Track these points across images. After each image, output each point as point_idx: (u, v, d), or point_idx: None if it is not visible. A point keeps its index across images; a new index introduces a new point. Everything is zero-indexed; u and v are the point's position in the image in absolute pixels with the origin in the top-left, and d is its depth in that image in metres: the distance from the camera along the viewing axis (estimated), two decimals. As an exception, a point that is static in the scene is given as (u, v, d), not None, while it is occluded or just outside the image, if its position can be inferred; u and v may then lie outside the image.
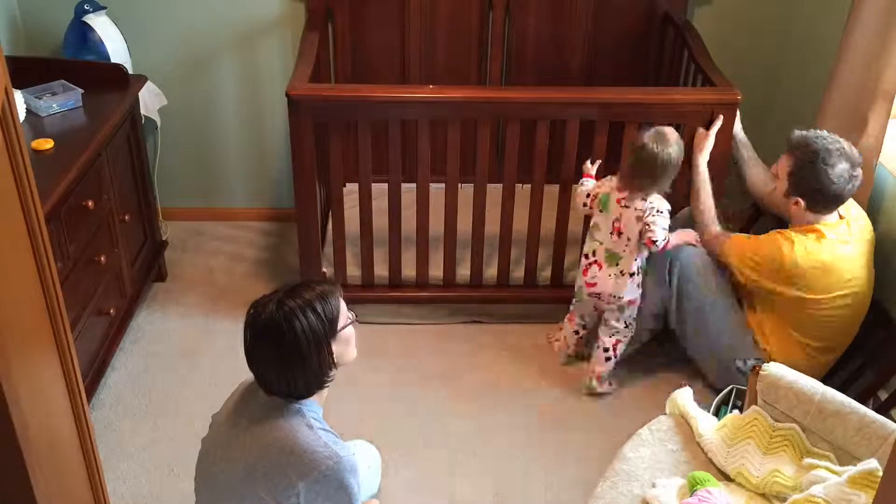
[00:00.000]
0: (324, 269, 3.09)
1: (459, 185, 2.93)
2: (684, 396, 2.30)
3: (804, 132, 2.54)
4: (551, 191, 2.94)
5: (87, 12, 3.03)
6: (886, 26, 2.57)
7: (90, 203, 2.60)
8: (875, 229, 2.75)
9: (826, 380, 2.44)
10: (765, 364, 2.17)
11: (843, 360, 2.78)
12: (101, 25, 3.06)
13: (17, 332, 1.10)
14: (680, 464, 2.14)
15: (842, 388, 2.52)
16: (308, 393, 1.83)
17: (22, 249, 1.15)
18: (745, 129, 3.08)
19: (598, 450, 2.62)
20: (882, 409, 2.47)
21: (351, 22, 3.35)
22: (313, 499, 1.77)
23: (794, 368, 2.47)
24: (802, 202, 2.52)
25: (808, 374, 2.46)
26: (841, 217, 2.57)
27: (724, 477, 2.11)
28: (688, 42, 3.18)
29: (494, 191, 2.95)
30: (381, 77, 3.43)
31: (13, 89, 2.56)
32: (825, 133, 2.52)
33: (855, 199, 2.74)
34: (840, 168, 2.44)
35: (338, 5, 3.30)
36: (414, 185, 2.91)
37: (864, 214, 2.64)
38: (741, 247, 2.65)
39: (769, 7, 3.38)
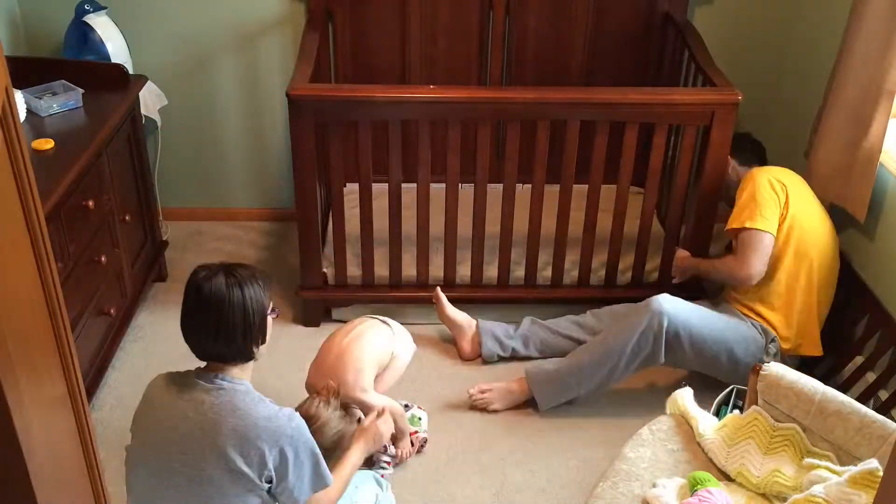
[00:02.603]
0: (324, 270, 3.09)
1: (460, 185, 2.93)
2: (684, 396, 2.30)
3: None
4: (551, 191, 2.94)
5: (87, 12, 3.03)
6: (888, 26, 2.57)
7: (90, 203, 2.60)
8: (875, 229, 2.76)
9: (826, 380, 2.45)
10: (765, 364, 2.17)
11: (844, 361, 2.78)
12: (102, 25, 3.06)
13: (17, 332, 1.10)
14: (680, 464, 2.14)
15: (842, 389, 2.53)
16: (235, 359, 1.89)
17: (22, 249, 1.15)
18: (746, 129, 3.09)
19: (598, 450, 2.62)
20: (882, 409, 2.48)
21: (351, 22, 3.35)
22: (284, 462, 1.83)
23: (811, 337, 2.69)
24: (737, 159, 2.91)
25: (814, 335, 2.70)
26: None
27: (725, 477, 2.11)
28: (688, 42, 3.18)
29: (495, 191, 2.95)
30: (381, 77, 3.43)
31: (13, 89, 2.56)
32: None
33: (855, 199, 2.75)
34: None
35: (338, 5, 3.30)
36: (414, 185, 2.91)
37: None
38: (741, 217, 2.69)
39: (769, 7, 3.38)
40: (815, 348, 2.75)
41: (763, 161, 2.96)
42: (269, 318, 1.94)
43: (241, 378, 1.91)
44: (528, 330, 2.99)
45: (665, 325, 2.59)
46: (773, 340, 2.71)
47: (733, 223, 2.70)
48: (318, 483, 1.93)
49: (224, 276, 1.85)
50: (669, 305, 2.63)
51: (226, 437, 1.80)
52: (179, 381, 1.91)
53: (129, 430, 1.97)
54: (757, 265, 2.65)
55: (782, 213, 2.67)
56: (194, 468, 1.82)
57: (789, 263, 2.70)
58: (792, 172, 2.80)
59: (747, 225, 2.65)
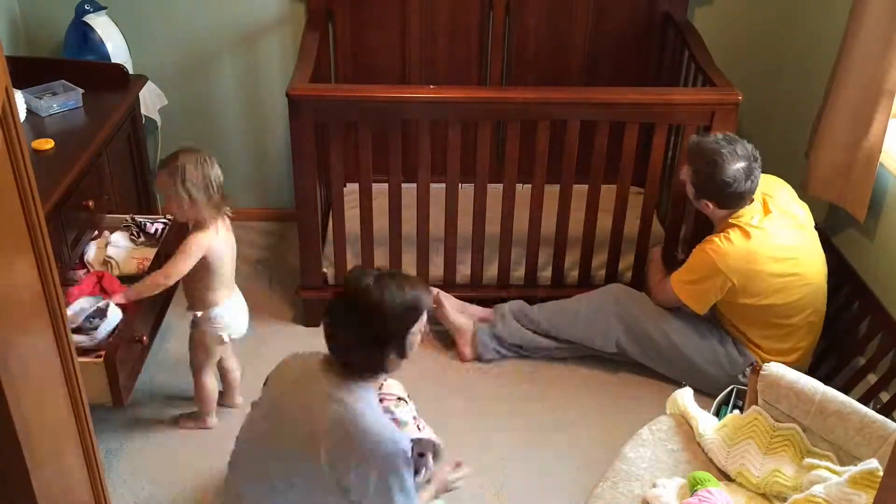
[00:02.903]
0: (324, 269, 3.09)
1: (460, 185, 2.93)
2: (685, 396, 2.30)
3: (698, 138, 2.67)
4: (551, 191, 2.94)
5: (87, 12, 3.03)
6: (888, 26, 2.57)
7: (90, 203, 2.60)
8: (876, 230, 2.76)
9: (828, 382, 2.44)
10: (765, 364, 2.17)
11: (845, 362, 2.78)
12: (102, 25, 3.06)
13: (17, 331, 1.10)
14: (680, 464, 2.14)
15: (843, 391, 2.52)
16: (372, 370, 1.88)
17: (22, 249, 1.15)
18: (746, 129, 3.09)
19: (598, 450, 2.62)
20: (884, 411, 2.47)
21: (351, 22, 3.35)
22: (365, 479, 1.81)
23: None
24: (710, 204, 2.65)
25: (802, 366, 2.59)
26: (768, 210, 2.66)
27: (725, 477, 2.11)
28: (688, 42, 3.18)
29: (495, 191, 2.95)
30: (381, 77, 3.43)
31: (13, 89, 2.56)
32: (719, 136, 2.63)
33: (855, 199, 2.75)
34: (734, 169, 2.55)
35: (338, 5, 3.30)
36: (414, 185, 2.91)
37: (798, 203, 2.74)
38: (679, 279, 2.74)
39: (770, 7, 3.38)
40: (802, 366, 2.76)
41: (736, 206, 2.65)
42: (418, 328, 1.90)
43: (368, 385, 1.89)
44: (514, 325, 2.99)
45: (612, 307, 2.85)
46: (752, 364, 2.71)
47: (674, 279, 2.75)
48: None
49: (374, 282, 1.82)
50: (617, 293, 2.89)
51: (327, 446, 1.81)
52: (316, 369, 1.91)
53: (263, 386, 2.03)
54: (660, 301, 2.84)
55: (728, 294, 2.66)
56: (287, 466, 1.86)
57: (779, 312, 2.68)
58: (762, 233, 2.61)
59: (675, 282, 2.75)
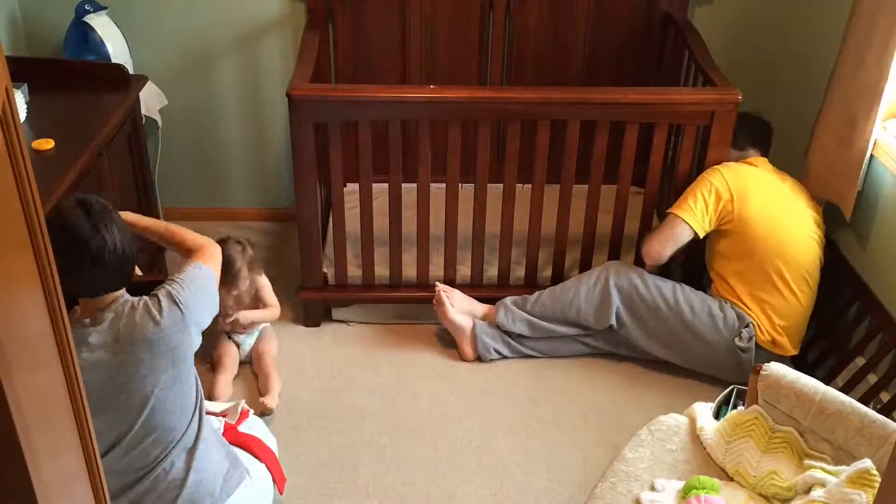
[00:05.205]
0: (324, 270, 3.09)
1: (460, 185, 2.94)
2: (699, 408, 2.30)
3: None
4: (552, 191, 2.94)
5: (87, 12, 3.03)
6: (889, 26, 2.57)
7: (90, 203, 2.59)
8: (872, 230, 2.76)
9: (828, 382, 2.45)
10: (766, 364, 2.17)
11: (845, 363, 2.78)
12: (102, 25, 3.06)
13: (17, 333, 1.10)
14: (679, 463, 2.14)
15: (844, 391, 2.52)
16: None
17: (22, 249, 1.15)
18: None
19: (598, 450, 2.62)
20: (884, 411, 2.47)
21: (351, 22, 3.36)
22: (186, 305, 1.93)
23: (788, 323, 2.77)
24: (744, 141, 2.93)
25: (798, 323, 2.78)
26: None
27: (724, 474, 2.11)
28: (688, 42, 3.18)
29: (495, 191, 2.95)
30: (381, 77, 3.44)
31: (14, 89, 2.56)
32: None
33: (844, 196, 2.76)
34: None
35: (338, 5, 3.31)
36: (414, 185, 2.92)
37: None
38: (678, 204, 2.82)
39: (770, 7, 3.38)
40: (788, 349, 2.81)
41: (759, 140, 2.95)
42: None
43: (122, 295, 1.95)
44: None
45: (611, 279, 2.86)
46: (747, 326, 2.76)
47: (674, 207, 2.83)
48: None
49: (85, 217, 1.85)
50: (617, 266, 2.92)
51: (140, 363, 1.88)
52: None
53: None
54: (655, 245, 2.85)
55: (723, 214, 2.77)
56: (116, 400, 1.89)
57: (758, 261, 2.76)
58: (761, 171, 2.85)
59: (672, 210, 2.82)
